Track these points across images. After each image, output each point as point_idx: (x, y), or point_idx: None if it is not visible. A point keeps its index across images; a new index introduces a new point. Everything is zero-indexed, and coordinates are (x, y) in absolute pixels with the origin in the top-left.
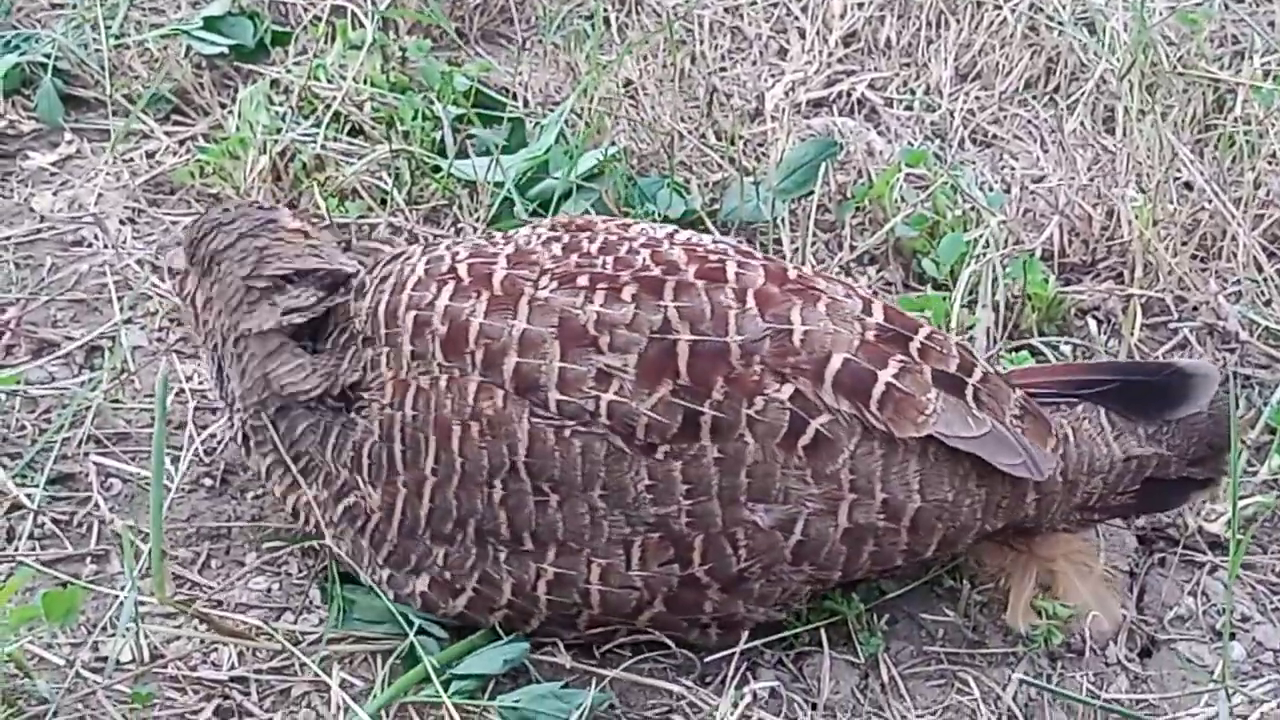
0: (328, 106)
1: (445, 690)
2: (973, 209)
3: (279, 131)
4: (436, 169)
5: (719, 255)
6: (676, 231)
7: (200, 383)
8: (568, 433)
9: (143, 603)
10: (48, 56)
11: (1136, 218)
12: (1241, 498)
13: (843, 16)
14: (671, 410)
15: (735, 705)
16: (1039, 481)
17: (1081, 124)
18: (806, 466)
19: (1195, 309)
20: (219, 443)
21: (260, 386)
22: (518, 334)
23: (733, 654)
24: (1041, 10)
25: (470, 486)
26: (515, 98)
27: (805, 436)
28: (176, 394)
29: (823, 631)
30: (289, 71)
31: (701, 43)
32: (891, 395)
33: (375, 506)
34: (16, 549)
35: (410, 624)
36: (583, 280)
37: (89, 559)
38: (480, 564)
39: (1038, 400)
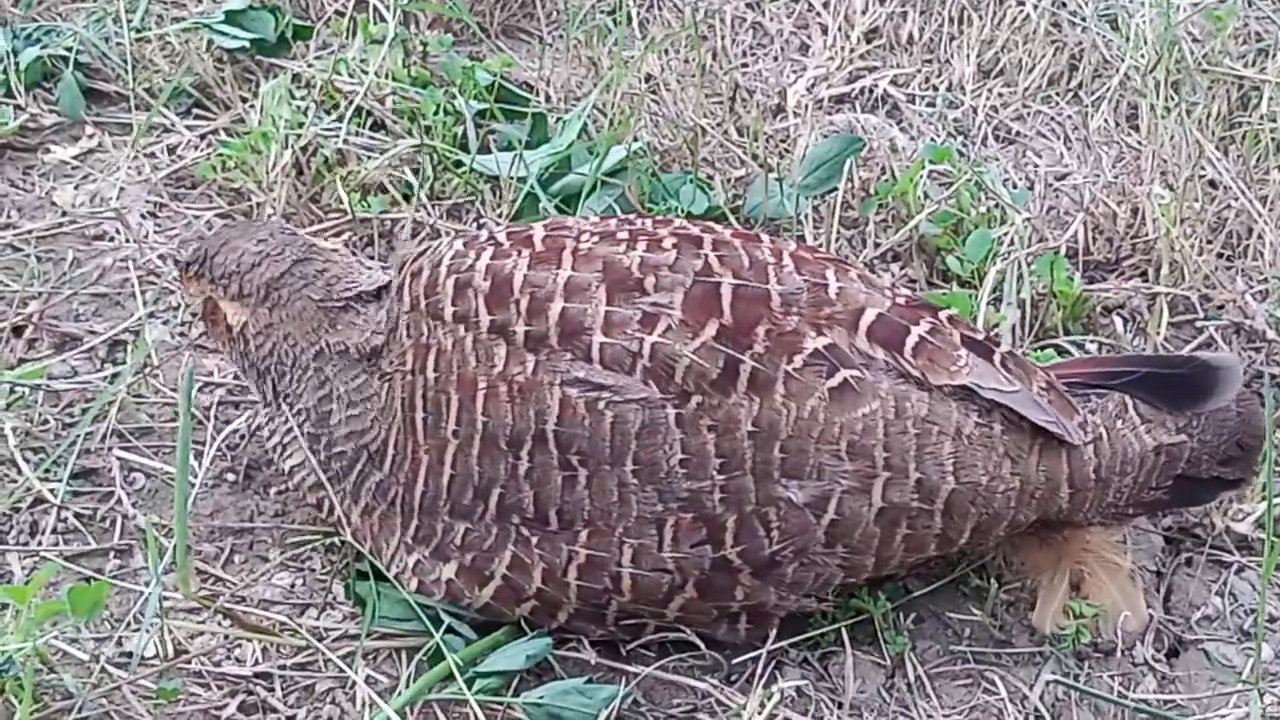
0: (350, 101)
1: (469, 687)
2: (997, 206)
3: (301, 126)
4: (459, 164)
5: (754, 232)
6: None
7: (223, 377)
8: (601, 404)
9: (167, 598)
10: (69, 50)
11: (1162, 215)
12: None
13: (865, 12)
14: (713, 355)
15: (762, 705)
16: (1072, 474)
17: (1105, 121)
18: (841, 437)
19: (1221, 307)
20: (242, 438)
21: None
22: (563, 281)
23: (759, 653)
24: (1065, 6)
25: (493, 451)
26: (537, 93)
27: (834, 380)
28: (200, 389)
29: (849, 630)
30: (310, 66)
31: (724, 39)
32: (925, 346)
33: (401, 479)
34: (40, 544)
35: (437, 622)
36: (622, 235)
37: (113, 554)
38: (507, 546)
39: (1068, 391)
